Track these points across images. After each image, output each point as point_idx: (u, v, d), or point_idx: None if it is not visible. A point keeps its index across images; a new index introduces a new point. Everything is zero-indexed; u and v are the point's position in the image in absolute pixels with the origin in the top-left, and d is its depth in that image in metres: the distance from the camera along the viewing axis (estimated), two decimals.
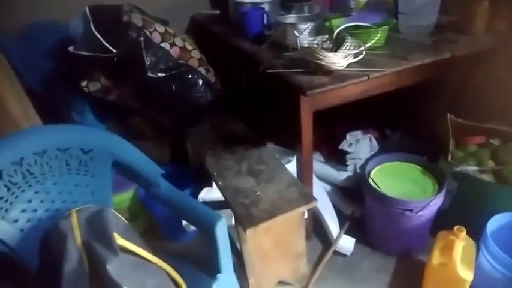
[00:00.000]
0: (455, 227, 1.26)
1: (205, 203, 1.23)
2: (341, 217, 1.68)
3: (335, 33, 1.32)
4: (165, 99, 1.50)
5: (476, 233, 1.31)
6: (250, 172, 1.35)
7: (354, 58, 1.26)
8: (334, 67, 1.22)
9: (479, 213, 1.33)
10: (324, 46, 1.31)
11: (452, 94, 1.74)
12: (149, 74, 1.41)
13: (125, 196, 1.59)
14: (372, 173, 1.59)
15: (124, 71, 1.42)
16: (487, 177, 1.44)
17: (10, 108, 1.23)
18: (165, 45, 1.47)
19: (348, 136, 1.80)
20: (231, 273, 1.04)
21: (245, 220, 1.14)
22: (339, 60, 1.22)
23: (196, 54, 1.56)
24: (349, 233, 1.64)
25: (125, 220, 0.90)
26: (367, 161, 1.71)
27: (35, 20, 1.60)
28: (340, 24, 1.37)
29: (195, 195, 1.50)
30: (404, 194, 1.45)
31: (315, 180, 1.58)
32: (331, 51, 1.24)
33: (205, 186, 1.54)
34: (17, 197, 0.88)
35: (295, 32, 1.41)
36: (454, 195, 1.51)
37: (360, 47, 1.27)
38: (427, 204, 1.41)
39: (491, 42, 1.45)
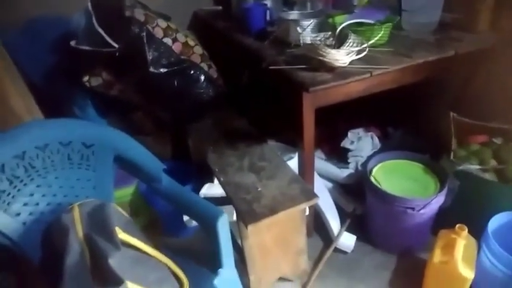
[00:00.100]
0: (457, 225, 1.26)
1: (207, 198, 1.24)
2: (342, 214, 1.68)
3: (338, 30, 1.31)
4: (167, 95, 1.50)
5: (477, 232, 1.31)
6: (251, 168, 1.35)
7: (356, 55, 1.25)
8: (337, 64, 1.22)
9: (481, 212, 1.33)
10: (327, 43, 1.31)
11: (455, 92, 1.74)
12: (151, 69, 1.41)
13: (126, 191, 1.59)
14: (374, 170, 1.59)
15: (126, 66, 1.42)
16: (489, 176, 1.43)
17: (12, 103, 1.23)
18: (167, 40, 1.46)
19: (349, 134, 1.80)
20: (232, 268, 1.04)
21: (247, 216, 1.14)
22: (341, 57, 1.22)
23: (198, 50, 1.56)
24: (350, 230, 1.64)
25: (126, 214, 0.90)
26: (368, 158, 1.70)
27: (37, 14, 1.60)
28: (343, 21, 1.37)
29: (196, 191, 1.51)
30: (406, 192, 1.45)
31: (316, 177, 1.58)
32: (334, 48, 1.24)
33: (206, 182, 1.55)
34: (19, 190, 0.88)
35: (298, 28, 1.40)
36: (456, 194, 1.50)
37: (363, 44, 1.27)
38: (429, 203, 1.40)
39: (495, 40, 1.44)
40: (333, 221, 1.62)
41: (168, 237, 1.62)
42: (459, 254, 1.23)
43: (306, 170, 1.41)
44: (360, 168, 1.75)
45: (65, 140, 0.94)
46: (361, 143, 1.78)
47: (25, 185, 0.89)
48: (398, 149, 1.66)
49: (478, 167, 1.45)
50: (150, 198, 1.58)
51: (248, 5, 1.63)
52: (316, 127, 1.32)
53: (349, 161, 1.77)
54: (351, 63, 1.25)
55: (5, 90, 1.22)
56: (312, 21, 1.42)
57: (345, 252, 1.60)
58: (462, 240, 1.25)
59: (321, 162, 1.80)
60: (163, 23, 1.47)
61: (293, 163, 1.48)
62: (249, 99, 1.86)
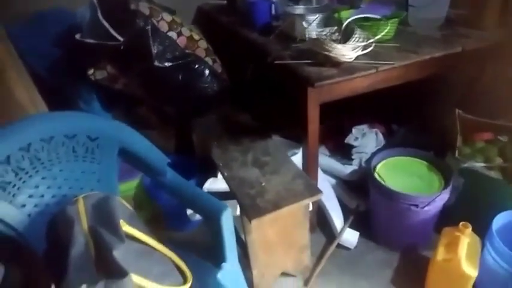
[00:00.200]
0: (461, 223, 1.25)
1: (210, 193, 1.24)
2: (345, 211, 1.67)
3: (344, 25, 1.30)
4: (171, 89, 1.50)
5: (481, 230, 1.30)
6: (255, 163, 1.35)
7: (362, 50, 1.25)
8: (343, 59, 1.21)
9: (485, 210, 1.32)
10: (333, 38, 1.30)
11: (460, 89, 1.72)
12: (156, 63, 1.40)
13: (130, 185, 1.60)
14: (378, 167, 1.58)
15: (130, 59, 1.42)
16: (494, 174, 1.42)
17: (17, 96, 1.23)
18: (172, 34, 1.46)
19: (354, 130, 1.79)
20: (235, 262, 1.04)
21: (250, 210, 1.14)
22: (347, 52, 1.21)
23: (203, 44, 1.56)
24: (353, 226, 1.63)
25: (130, 208, 0.90)
26: (372, 155, 1.70)
27: (42, 7, 1.60)
28: (349, 16, 1.36)
29: (200, 185, 1.51)
30: (410, 189, 1.44)
31: (319, 173, 1.58)
32: (339, 43, 1.23)
33: (209, 177, 1.55)
34: (24, 182, 0.88)
35: (304, 23, 1.39)
36: (460, 191, 1.50)
37: (369, 39, 1.26)
38: (433, 200, 1.40)
39: (503, 37, 1.43)
40: (336, 217, 1.62)
41: (171, 231, 1.62)
42: (463, 252, 1.23)
43: (310, 165, 1.41)
44: (363, 164, 1.74)
45: (70, 133, 0.94)
46: (366, 139, 1.77)
47: (30, 176, 0.89)
48: (402, 146, 1.65)
49: (483, 164, 1.44)
50: (154, 193, 1.58)
51: None
52: (320, 123, 1.32)
53: (353, 157, 1.76)
54: (356, 58, 1.24)
55: (10, 82, 1.22)
56: (317, 15, 1.41)
57: (347, 249, 1.60)
58: (466, 238, 1.24)
59: (324, 158, 1.80)
60: (168, 17, 1.47)
61: (297, 159, 1.48)
62: (253, 94, 1.85)
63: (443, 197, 1.44)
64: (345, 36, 1.28)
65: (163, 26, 1.44)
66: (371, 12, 1.38)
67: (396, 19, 1.39)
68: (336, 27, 1.34)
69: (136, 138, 1.03)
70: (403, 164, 1.60)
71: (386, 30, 1.33)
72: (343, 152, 1.79)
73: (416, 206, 1.41)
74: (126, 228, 0.80)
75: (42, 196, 0.91)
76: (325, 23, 1.42)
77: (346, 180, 1.80)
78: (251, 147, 1.44)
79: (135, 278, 0.74)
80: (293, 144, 1.64)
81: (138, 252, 0.82)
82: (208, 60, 1.55)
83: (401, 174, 1.54)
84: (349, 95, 1.28)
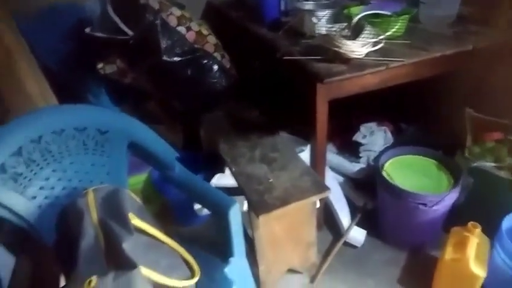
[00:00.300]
0: (470, 223, 1.24)
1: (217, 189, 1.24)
2: (353, 209, 1.67)
3: (354, 21, 1.29)
4: (180, 84, 1.50)
5: (490, 230, 1.29)
6: (263, 159, 1.35)
7: (372, 47, 1.23)
8: (353, 55, 1.20)
9: (495, 210, 1.31)
10: (343, 34, 1.29)
11: (470, 88, 1.70)
12: (164, 57, 1.40)
13: (138, 179, 1.60)
14: (386, 165, 1.57)
15: (140, 54, 1.42)
16: (504, 174, 1.41)
17: (28, 88, 1.24)
18: (181, 29, 1.46)
19: (362, 128, 1.78)
20: (243, 257, 1.05)
21: (258, 206, 1.14)
22: (357, 48, 1.20)
23: (212, 39, 1.55)
24: (360, 224, 1.63)
25: (139, 201, 0.91)
26: (381, 153, 1.69)
27: (53, 2, 1.60)
28: (359, 12, 1.34)
29: (207, 181, 1.51)
30: (418, 187, 1.43)
31: (327, 170, 1.57)
32: (349, 40, 1.22)
33: (216, 173, 1.55)
34: (35, 174, 0.89)
35: (313, 19, 1.39)
36: (469, 191, 1.48)
37: (379, 35, 1.25)
38: (442, 199, 1.39)
39: None
40: (343, 215, 1.61)
41: (179, 226, 1.63)
42: (472, 252, 1.22)
43: (318, 162, 1.40)
44: (371, 162, 1.73)
45: (81, 126, 0.94)
46: (374, 137, 1.76)
47: (41, 168, 0.90)
48: (411, 144, 1.64)
49: (493, 164, 1.43)
50: (162, 187, 1.59)
51: None
52: (328, 120, 1.31)
53: (360, 155, 1.75)
54: (366, 55, 1.23)
55: (21, 74, 1.22)
56: (327, 11, 1.40)
57: (354, 247, 1.60)
58: (475, 238, 1.23)
59: (332, 156, 1.79)
60: (177, 12, 1.47)
61: (304, 156, 1.47)
62: (261, 90, 1.85)
63: (452, 196, 1.42)
64: (355, 33, 1.27)
65: (173, 21, 1.44)
66: (381, 8, 1.37)
67: (407, 16, 1.37)
68: (345, 24, 1.33)
69: (145, 132, 1.03)
70: (411, 162, 1.59)
71: (396, 27, 1.32)
72: (351, 150, 1.78)
73: (425, 205, 1.40)
74: (135, 221, 0.80)
75: (53, 188, 0.92)
76: (335, 19, 1.41)
77: (353, 178, 1.79)
78: (259, 143, 1.44)
79: (144, 270, 0.75)
80: (300, 141, 1.64)
81: (147, 245, 0.83)
82: (217, 55, 1.55)
83: (410, 172, 1.53)
84: (358, 91, 1.27)
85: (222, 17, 1.89)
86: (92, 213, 0.81)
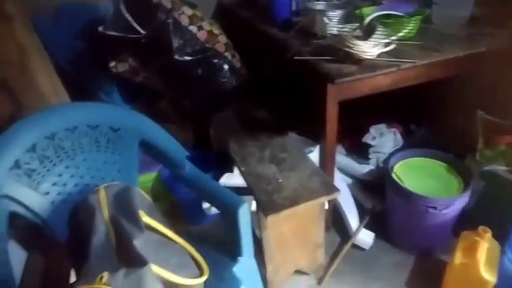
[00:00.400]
0: (480, 227, 1.23)
1: None
2: (361, 211, 1.66)
3: (366, 22, 1.29)
4: (191, 83, 1.51)
5: (501, 235, 1.27)
6: (272, 159, 1.35)
7: (384, 48, 1.23)
8: (364, 56, 1.20)
9: (506, 215, 1.29)
10: (354, 34, 1.28)
11: (483, 90, 1.68)
12: (176, 56, 1.41)
13: (148, 177, 1.61)
14: (395, 167, 1.56)
15: (151, 52, 1.43)
16: None
17: (40, 85, 1.25)
18: (193, 28, 1.47)
19: (371, 129, 1.77)
20: (251, 257, 1.05)
21: (267, 206, 1.14)
22: (369, 49, 1.19)
23: (222, 38, 1.56)
24: (368, 227, 1.62)
25: (149, 199, 0.91)
26: (390, 155, 1.67)
27: (67, 0, 1.62)
28: (370, 13, 1.33)
29: (216, 180, 1.51)
30: (428, 190, 1.42)
31: (336, 172, 1.57)
32: (361, 40, 1.21)
33: (225, 172, 1.55)
34: (48, 170, 0.90)
35: (325, 19, 1.38)
36: (480, 195, 1.46)
37: (391, 36, 1.24)
38: (452, 203, 1.37)
39: None
40: (352, 217, 1.60)
41: (187, 224, 1.63)
42: (482, 257, 1.20)
43: (327, 163, 1.40)
44: (381, 164, 1.72)
45: (93, 123, 0.96)
46: (384, 139, 1.75)
47: (54, 165, 0.91)
48: (421, 146, 1.62)
49: (505, 168, 1.41)
50: (171, 185, 1.59)
51: None
52: (338, 121, 1.30)
53: (370, 156, 1.74)
54: (378, 56, 1.22)
55: (34, 71, 1.24)
56: (338, 12, 1.39)
57: (362, 249, 1.59)
58: (485, 243, 1.21)
59: (341, 157, 1.78)
60: (189, 11, 1.48)
61: (313, 157, 1.47)
62: (271, 90, 1.85)
63: (463, 200, 1.41)
64: (367, 33, 1.27)
65: (184, 20, 1.45)
66: (393, 9, 1.36)
67: (419, 16, 1.36)
68: (357, 24, 1.33)
69: (157, 130, 1.04)
70: (421, 165, 1.57)
71: (408, 28, 1.31)
72: (360, 151, 1.77)
73: (435, 208, 1.38)
74: (146, 218, 0.81)
75: (65, 184, 0.93)
76: (346, 19, 1.40)
77: (362, 180, 1.78)
78: (268, 143, 1.44)
79: (154, 267, 0.75)
80: (309, 141, 1.63)
81: (157, 242, 0.83)
82: (228, 55, 1.56)
83: (420, 175, 1.52)
84: (369, 92, 1.26)
85: (232, 16, 1.90)
86: (104, 210, 0.82)
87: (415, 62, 1.22)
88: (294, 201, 1.15)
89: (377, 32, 1.23)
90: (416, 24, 1.36)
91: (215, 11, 2.03)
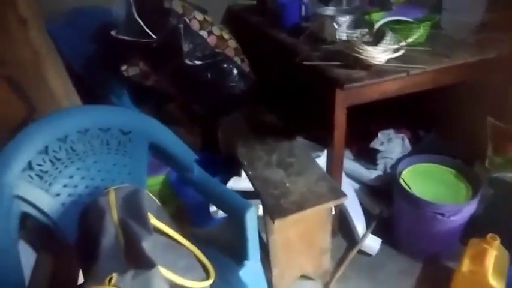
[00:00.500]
0: (489, 234, 1.22)
1: None
2: (368, 216, 1.65)
3: (375, 27, 1.29)
4: (200, 87, 1.52)
5: (509, 243, 1.26)
6: (280, 164, 1.35)
7: (393, 53, 1.23)
8: (374, 61, 1.20)
9: None
10: (363, 40, 1.29)
11: (493, 96, 1.67)
12: (186, 61, 1.43)
13: (156, 180, 1.63)
14: (403, 173, 1.55)
15: (162, 56, 1.45)
16: None
17: (53, 87, 1.27)
18: (203, 33, 1.48)
19: (380, 135, 1.76)
20: (257, 261, 1.05)
21: (274, 210, 1.14)
22: (378, 54, 1.19)
23: (232, 43, 1.57)
24: (375, 233, 1.61)
25: (158, 202, 0.92)
26: (398, 161, 1.67)
27: (80, 4, 1.65)
28: (380, 18, 1.34)
29: (223, 183, 1.52)
30: (436, 197, 1.41)
31: (343, 177, 1.56)
32: (370, 46, 1.22)
33: (232, 176, 1.56)
34: (60, 172, 0.92)
35: (334, 24, 1.39)
36: (489, 202, 1.45)
37: (401, 42, 1.24)
38: (460, 210, 1.36)
39: None
40: (358, 223, 1.60)
41: (194, 228, 1.64)
42: (490, 265, 1.19)
43: (334, 168, 1.40)
44: (388, 170, 1.72)
45: (105, 126, 0.97)
46: (392, 144, 1.74)
47: (66, 167, 0.92)
48: (429, 152, 1.61)
49: None
50: (179, 189, 1.61)
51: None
52: (346, 126, 1.30)
53: (377, 162, 1.74)
54: (387, 61, 1.22)
55: (48, 73, 1.26)
56: (348, 17, 1.40)
57: (368, 255, 1.58)
58: (494, 251, 1.20)
59: (348, 162, 1.78)
60: (200, 16, 1.49)
61: (320, 162, 1.47)
62: (279, 95, 1.85)
63: (471, 207, 1.40)
64: (376, 39, 1.27)
65: (195, 25, 1.46)
66: (403, 14, 1.36)
67: (429, 22, 1.36)
68: (366, 30, 1.33)
69: (166, 134, 1.05)
70: (429, 171, 1.56)
71: (418, 34, 1.31)
72: (368, 157, 1.77)
73: (443, 214, 1.37)
74: (154, 221, 0.82)
75: (76, 186, 0.95)
76: (356, 25, 1.41)
77: (369, 185, 1.78)
78: (276, 148, 1.44)
79: (162, 269, 0.76)
80: (317, 146, 1.63)
81: (165, 245, 0.84)
82: (237, 59, 1.57)
83: (428, 181, 1.51)
84: (378, 98, 1.26)
85: (242, 21, 1.91)
86: (113, 212, 0.83)
87: (424, 68, 1.22)
88: (301, 206, 1.16)
89: (386, 38, 1.23)
90: (426, 30, 1.36)
91: (225, 16, 2.05)
